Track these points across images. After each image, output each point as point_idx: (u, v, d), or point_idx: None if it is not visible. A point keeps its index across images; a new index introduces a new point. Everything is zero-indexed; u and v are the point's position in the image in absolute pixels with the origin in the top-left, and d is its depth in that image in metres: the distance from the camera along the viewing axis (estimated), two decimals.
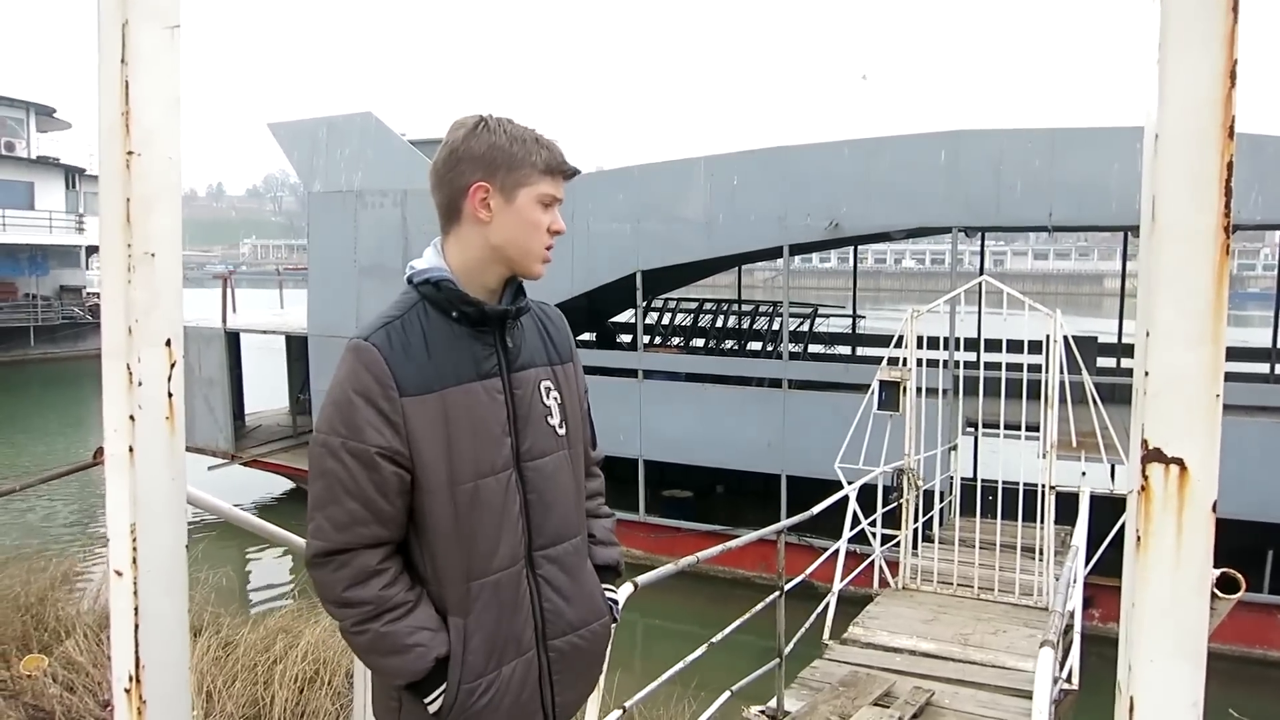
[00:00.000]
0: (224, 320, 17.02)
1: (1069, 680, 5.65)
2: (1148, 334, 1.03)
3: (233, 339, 16.86)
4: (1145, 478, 1.04)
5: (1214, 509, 1.03)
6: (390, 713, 1.82)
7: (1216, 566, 1.10)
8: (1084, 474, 7.87)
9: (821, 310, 19.34)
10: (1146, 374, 1.04)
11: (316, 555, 1.71)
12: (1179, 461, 1.02)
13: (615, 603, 2.01)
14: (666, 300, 20.35)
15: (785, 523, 5.82)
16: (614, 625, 1.99)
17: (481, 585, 1.74)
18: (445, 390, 1.71)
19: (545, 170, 1.76)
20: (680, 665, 4.38)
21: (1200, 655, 1.04)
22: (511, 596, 1.77)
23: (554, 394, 1.86)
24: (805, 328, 18.51)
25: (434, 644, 1.72)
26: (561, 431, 1.86)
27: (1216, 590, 1.07)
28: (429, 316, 1.75)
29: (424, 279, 1.77)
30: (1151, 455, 1.03)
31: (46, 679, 5.21)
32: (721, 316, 20.08)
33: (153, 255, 1.54)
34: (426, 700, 1.73)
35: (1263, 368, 15.17)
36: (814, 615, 6.31)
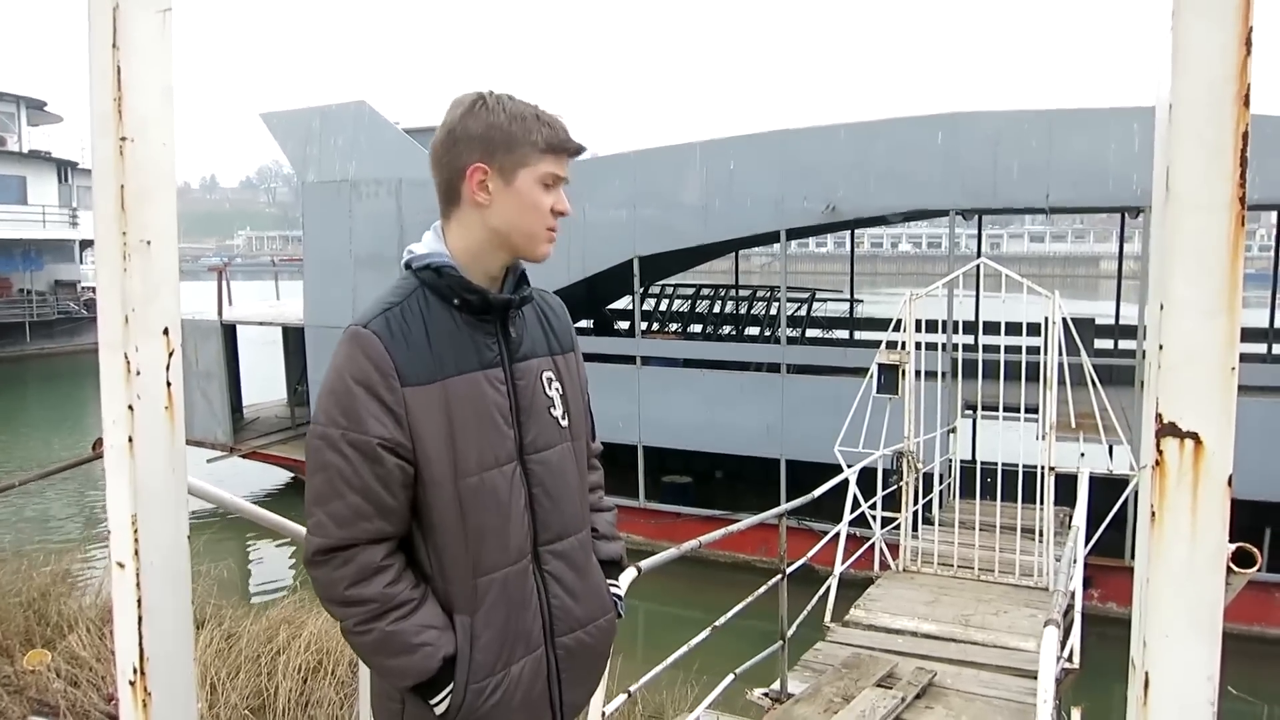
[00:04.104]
0: (220, 313, 16.99)
1: (1070, 659, 5.66)
2: (1161, 306, 1.02)
3: (229, 331, 16.84)
4: (1160, 452, 1.03)
5: (1230, 483, 1.02)
6: (392, 715, 1.75)
7: None
8: (1082, 455, 7.88)
9: (819, 294, 19.33)
10: (1160, 347, 1.02)
11: (317, 552, 1.63)
12: (1194, 435, 1.01)
13: (620, 598, 1.96)
14: (664, 286, 20.33)
15: (786, 506, 5.81)
16: (619, 620, 1.95)
17: (489, 581, 1.69)
18: (447, 380, 1.65)
19: (546, 149, 1.69)
20: (684, 649, 4.39)
21: (1216, 630, 1.03)
22: (519, 593, 1.72)
23: (556, 385, 1.81)
24: (803, 312, 18.50)
25: (441, 643, 1.66)
26: (564, 423, 1.81)
27: (1232, 564, 1.06)
28: (429, 303, 1.69)
29: (424, 264, 1.71)
30: (1166, 429, 1.02)
31: (50, 674, 5.21)
32: (719, 302, 20.07)
33: (148, 243, 1.52)
34: (433, 702, 1.67)
35: (1260, 348, 15.18)
36: (815, 598, 6.32)
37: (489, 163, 1.68)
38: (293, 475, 16.35)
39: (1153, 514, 1.05)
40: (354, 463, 1.60)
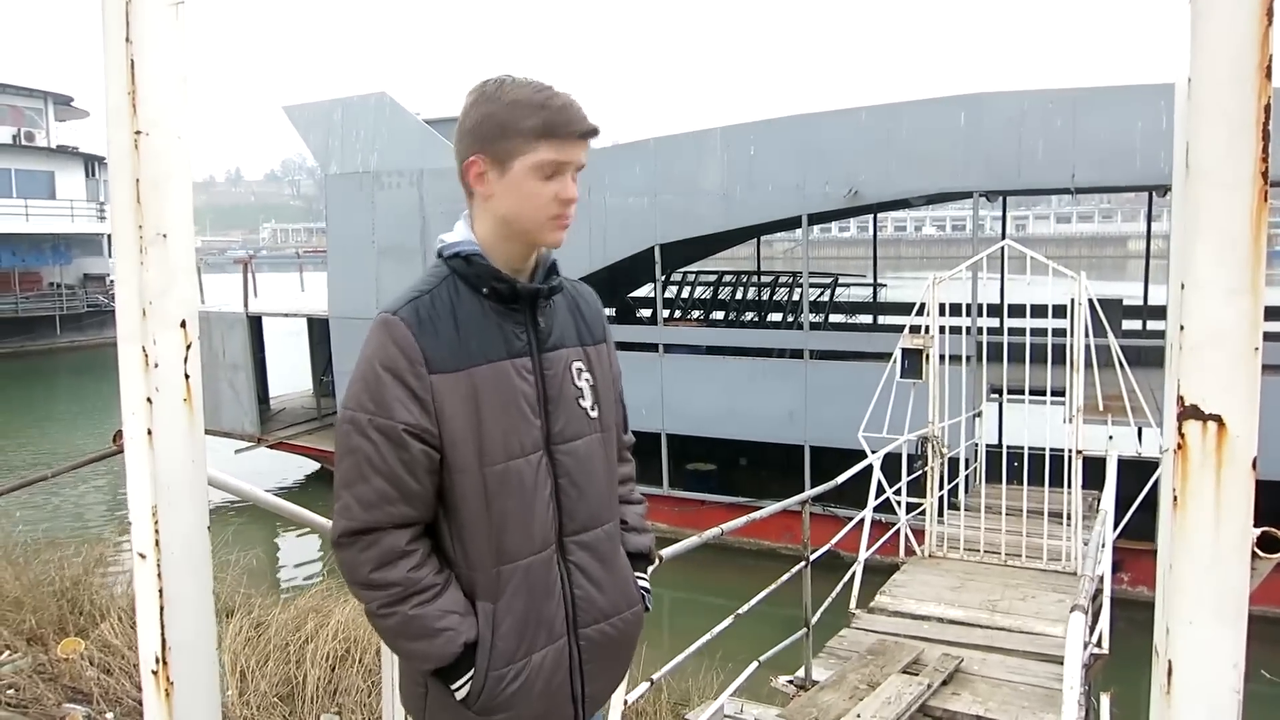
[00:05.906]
0: (245, 305, 17.14)
1: (1099, 645, 5.61)
2: (1183, 286, 0.99)
3: (255, 323, 17.00)
4: (1182, 435, 1.00)
5: (1254, 466, 1.00)
6: (417, 699, 1.77)
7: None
8: (1111, 438, 7.79)
9: (842, 279, 19.22)
10: (1182, 328, 1.00)
11: (343, 534, 1.65)
12: (1217, 418, 0.99)
13: (648, 591, 1.95)
14: (685, 274, 20.29)
15: (810, 493, 5.79)
16: (646, 614, 1.93)
17: (512, 569, 1.70)
18: (474, 368, 1.66)
19: (541, 135, 1.63)
20: (708, 637, 4.38)
21: (1241, 616, 1.01)
22: (542, 582, 1.72)
23: (585, 375, 1.80)
24: (826, 297, 18.41)
25: (463, 628, 1.66)
26: (594, 414, 1.80)
27: (1257, 549, 1.04)
28: (459, 292, 1.69)
29: (454, 252, 1.71)
30: (1188, 412, 0.99)
31: (84, 662, 5.29)
32: (741, 288, 20.01)
33: (165, 236, 1.53)
34: (453, 687, 1.68)
35: (1277, 326, 14.92)
36: (840, 585, 6.29)
37: (484, 154, 1.67)
38: (319, 465, 16.50)
39: (1175, 499, 1.02)
40: (380, 447, 1.61)
